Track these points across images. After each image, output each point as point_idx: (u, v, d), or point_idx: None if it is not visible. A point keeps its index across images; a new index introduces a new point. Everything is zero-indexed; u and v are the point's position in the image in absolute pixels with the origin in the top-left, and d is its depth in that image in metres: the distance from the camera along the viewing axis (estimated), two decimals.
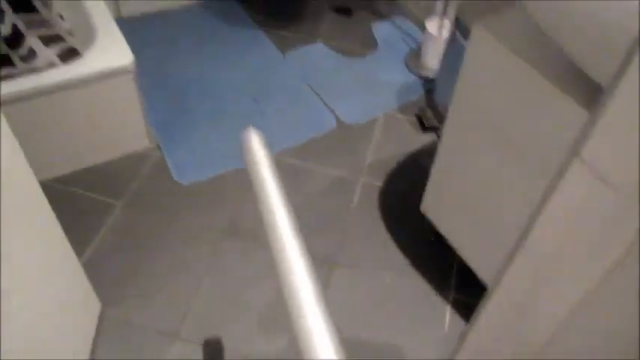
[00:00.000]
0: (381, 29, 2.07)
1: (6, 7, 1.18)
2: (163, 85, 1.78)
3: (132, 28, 1.97)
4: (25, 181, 0.85)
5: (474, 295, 1.32)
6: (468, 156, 1.15)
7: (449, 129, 1.18)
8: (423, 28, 2.05)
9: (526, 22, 0.98)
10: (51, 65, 1.33)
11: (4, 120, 0.75)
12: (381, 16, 2.13)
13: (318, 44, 1.99)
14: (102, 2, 1.48)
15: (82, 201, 1.46)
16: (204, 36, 1.98)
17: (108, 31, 1.44)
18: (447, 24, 1.79)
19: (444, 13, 1.76)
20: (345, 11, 2.12)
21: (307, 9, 2.15)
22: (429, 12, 2.03)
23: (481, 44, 0.99)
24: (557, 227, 0.53)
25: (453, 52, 1.56)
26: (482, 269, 1.21)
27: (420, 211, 1.36)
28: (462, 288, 1.35)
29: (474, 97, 1.06)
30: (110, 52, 1.39)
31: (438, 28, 1.80)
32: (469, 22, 1.47)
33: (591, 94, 0.83)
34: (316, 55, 1.94)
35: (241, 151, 0.75)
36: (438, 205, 1.31)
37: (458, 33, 1.47)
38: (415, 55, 1.93)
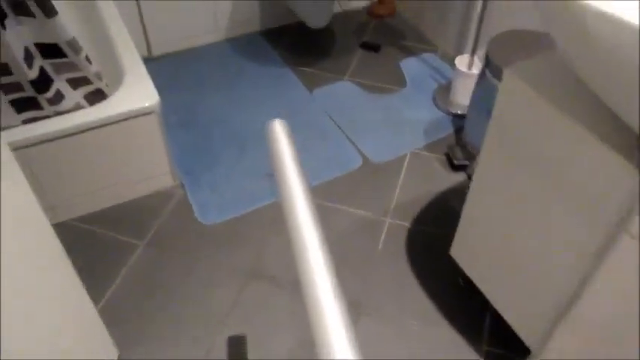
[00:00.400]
0: (410, 65, 2.04)
1: (35, 52, 1.20)
2: (190, 124, 1.79)
3: (162, 66, 2.00)
4: (37, 227, 0.84)
5: (508, 348, 1.24)
6: (501, 201, 1.08)
7: (481, 172, 1.12)
8: (452, 64, 2.01)
9: (562, 67, 0.93)
10: (78, 107, 1.34)
11: (16, 166, 0.74)
12: (409, 52, 2.11)
13: (346, 81, 1.97)
14: (131, 44, 1.51)
15: (104, 240, 1.45)
16: (231, 73, 1.99)
17: (135, 72, 1.45)
18: (477, 61, 1.75)
19: (475, 50, 1.72)
20: (373, 47, 2.10)
21: (335, 45, 2.15)
22: (459, 48, 2.00)
23: (514, 91, 0.94)
24: (606, 300, 0.47)
25: (483, 90, 1.51)
26: (518, 323, 1.13)
27: (449, 255, 1.29)
28: (496, 339, 1.27)
29: (508, 141, 1.01)
30: (136, 93, 1.40)
31: (468, 66, 1.75)
32: (499, 60, 1.42)
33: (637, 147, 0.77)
34: (343, 92, 1.92)
35: (267, 141, 0.76)
36: (469, 250, 1.24)
37: (488, 71, 1.43)
38: (444, 91, 1.89)
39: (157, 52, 2.04)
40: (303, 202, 0.58)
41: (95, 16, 1.62)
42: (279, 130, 0.76)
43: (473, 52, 1.73)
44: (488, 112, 1.52)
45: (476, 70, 1.76)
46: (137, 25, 1.94)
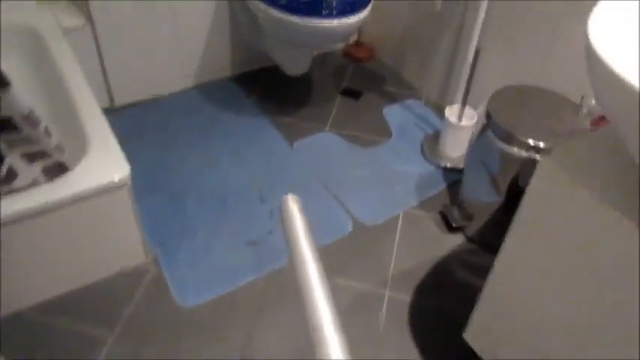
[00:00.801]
0: (393, 113, 1.94)
1: None
2: (160, 186, 1.61)
3: (126, 118, 1.82)
4: None
5: None
6: (530, 289, 0.98)
7: (507, 256, 1.01)
8: (438, 111, 1.93)
9: (605, 154, 0.84)
10: (35, 184, 1.15)
11: None
12: (391, 98, 2.01)
13: (328, 132, 1.84)
14: (97, 108, 1.33)
15: (66, 335, 1.25)
16: (204, 125, 1.83)
17: (102, 139, 1.27)
18: (470, 112, 1.66)
19: (465, 101, 1.63)
20: (353, 94, 1.99)
21: (313, 91, 2.02)
22: (443, 95, 1.92)
23: (550, 178, 0.84)
24: None
25: (483, 150, 1.42)
26: None
27: (455, 329, 1.17)
28: None
29: (541, 225, 0.91)
30: (102, 165, 1.22)
31: (458, 117, 1.67)
32: (502, 121, 1.33)
33: None
34: (326, 145, 1.79)
35: (280, 217, 0.75)
36: (487, 336, 1.13)
37: (490, 132, 1.34)
38: (432, 142, 1.80)
39: (120, 102, 1.86)
40: (320, 287, 0.60)
41: (55, 77, 1.44)
42: (292, 207, 0.75)
43: (464, 104, 1.64)
44: (489, 173, 1.44)
45: (467, 121, 1.67)
46: (98, 72, 1.76)
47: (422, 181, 1.69)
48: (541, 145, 1.26)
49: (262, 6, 1.53)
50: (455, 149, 1.73)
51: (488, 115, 1.36)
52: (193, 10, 1.80)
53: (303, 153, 1.75)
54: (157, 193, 1.59)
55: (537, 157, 1.28)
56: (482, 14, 1.51)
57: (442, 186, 1.68)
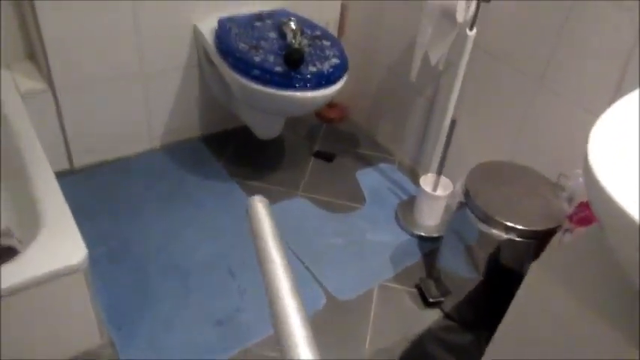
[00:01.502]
0: (367, 177, 1.91)
1: None
2: (121, 257, 1.51)
3: (85, 181, 1.73)
4: None
5: None
6: None
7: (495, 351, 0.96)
8: (412, 176, 1.90)
9: (593, 258, 0.80)
10: None
11: None
12: (364, 161, 1.98)
13: (300, 197, 1.79)
14: (54, 182, 1.24)
15: None
16: (170, 190, 1.75)
17: (56, 218, 1.18)
18: (445, 182, 1.64)
19: (440, 171, 1.61)
20: (326, 157, 1.96)
21: (285, 153, 1.98)
22: (417, 160, 1.90)
23: (540, 284, 0.80)
24: None
25: (462, 226, 1.39)
26: None
27: None
28: None
29: (529, 326, 0.86)
30: (56, 247, 1.12)
31: (433, 186, 1.64)
32: (482, 202, 1.31)
33: None
34: (298, 211, 1.73)
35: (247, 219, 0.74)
36: None
37: (468, 210, 1.30)
38: (406, 209, 1.76)
39: (79, 163, 1.77)
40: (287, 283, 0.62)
41: (10, 146, 1.35)
42: (259, 209, 0.76)
43: (439, 173, 1.62)
44: (467, 249, 1.40)
45: (442, 191, 1.64)
46: (57, 133, 1.67)
47: (397, 251, 1.64)
48: (520, 227, 1.23)
49: (235, 75, 1.49)
50: (430, 218, 1.69)
51: (467, 194, 1.33)
52: (163, 71, 1.75)
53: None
54: (117, 264, 1.48)
55: (516, 238, 1.25)
56: (457, 87, 1.51)
57: (418, 256, 1.63)
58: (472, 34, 1.43)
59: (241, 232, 1.62)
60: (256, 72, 1.45)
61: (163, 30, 1.66)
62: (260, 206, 0.76)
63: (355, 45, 2.01)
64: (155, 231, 1.60)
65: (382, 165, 1.97)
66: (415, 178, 1.92)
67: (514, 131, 1.52)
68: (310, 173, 1.90)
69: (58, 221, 1.18)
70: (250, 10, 1.73)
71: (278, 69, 1.44)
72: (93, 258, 1.33)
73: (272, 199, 1.77)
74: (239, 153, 1.94)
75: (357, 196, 1.82)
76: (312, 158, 1.96)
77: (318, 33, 1.65)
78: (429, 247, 1.66)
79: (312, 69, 1.47)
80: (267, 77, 1.44)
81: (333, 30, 1.99)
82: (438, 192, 1.64)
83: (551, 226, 1.23)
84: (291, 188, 1.82)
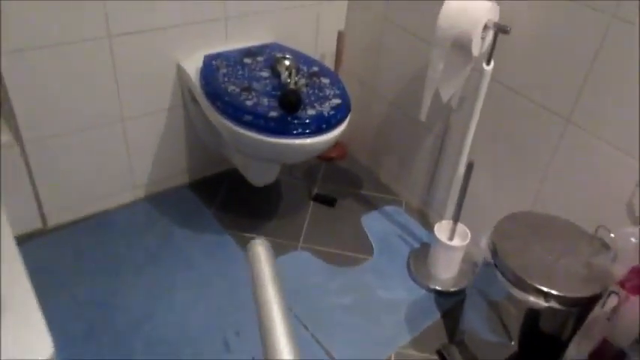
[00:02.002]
0: (373, 223, 1.73)
1: None
2: (101, 329, 1.32)
3: (60, 241, 1.54)
4: None
5: None
6: None
7: None
8: (421, 219, 1.74)
9: None
10: None
11: None
12: (368, 204, 1.81)
13: (301, 251, 1.61)
14: (18, 262, 1.05)
15: None
16: (156, 247, 1.56)
17: (19, 307, 0.99)
18: (462, 230, 1.47)
19: (457, 218, 1.44)
20: (327, 201, 1.78)
21: (282, 198, 1.80)
22: (427, 202, 1.73)
23: None
24: None
25: (487, 282, 1.22)
26: None
27: None
28: None
29: None
30: (18, 343, 0.94)
31: (450, 235, 1.47)
32: (514, 264, 1.14)
33: None
34: (299, 267, 1.55)
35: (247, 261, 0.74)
36: None
37: (499, 273, 1.13)
38: (419, 259, 1.59)
39: (54, 221, 1.58)
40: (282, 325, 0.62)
41: None
42: (259, 251, 0.76)
43: (455, 221, 1.45)
44: (496, 314, 1.22)
45: (459, 241, 1.48)
46: (26, 187, 1.48)
47: (412, 310, 1.46)
48: (559, 293, 1.06)
49: (224, 121, 1.32)
50: (447, 270, 1.52)
51: (494, 252, 1.16)
52: (145, 115, 1.58)
53: None
54: (96, 338, 1.29)
55: (555, 305, 1.07)
56: (473, 126, 1.35)
57: (436, 315, 1.46)
58: (489, 68, 1.27)
59: (235, 295, 1.44)
60: (248, 117, 1.28)
61: (144, 70, 1.50)
62: (260, 249, 0.76)
63: (354, 76, 1.85)
64: (139, 297, 1.41)
65: (388, 208, 1.80)
66: (425, 222, 1.75)
67: (539, 175, 1.36)
68: (310, 220, 1.72)
69: (20, 311, 0.99)
70: (239, 46, 1.57)
71: (273, 114, 1.28)
72: (67, 337, 1.16)
73: None
74: (231, 199, 1.77)
75: (363, 246, 1.65)
76: (312, 203, 1.79)
77: (315, 69, 1.49)
78: (448, 303, 1.49)
79: (311, 112, 1.30)
80: (260, 123, 1.27)
81: (329, 62, 1.84)
82: (455, 242, 1.47)
83: (595, 291, 1.06)
84: (291, 240, 1.64)
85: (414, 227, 1.73)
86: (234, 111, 1.30)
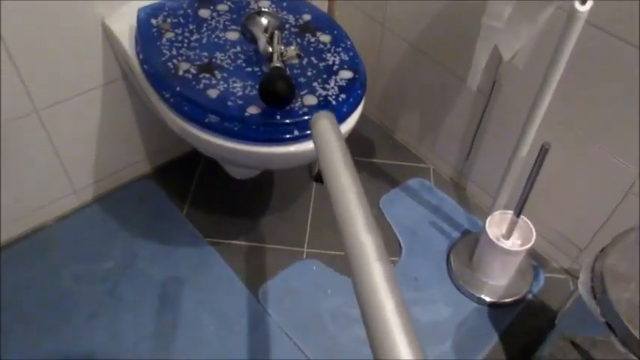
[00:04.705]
0: (396, 207, 1.33)
1: None
2: None
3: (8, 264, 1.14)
4: None
5: None
6: None
7: None
8: (459, 195, 1.35)
9: None
10: None
11: None
12: (388, 178, 1.40)
13: (307, 260, 1.22)
14: None
15: None
16: (113, 273, 1.17)
17: None
18: (525, 227, 1.09)
19: (520, 210, 1.05)
20: None
21: (276, 183, 1.39)
22: (462, 170, 1.33)
23: None
24: None
25: (581, 313, 0.86)
26: None
27: None
28: None
29: None
30: None
31: (506, 233, 1.09)
32: (621, 305, 0.77)
33: None
34: (307, 284, 1.18)
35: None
36: None
37: (602, 316, 0.77)
38: (461, 255, 1.22)
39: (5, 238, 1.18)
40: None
41: None
42: (325, 125, 0.61)
43: (517, 214, 1.06)
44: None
45: (520, 243, 1.10)
46: None
47: (461, 332, 1.12)
48: None
49: (178, 120, 0.87)
50: (501, 277, 1.16)
51: (602, 290, 0.78)
52: (68, 99, 1.11)
53: (276, 308, 1.13)
54: None
55: None
56: (548, 94, 0.90)
57: (493, 337, 1.11)
58: (585, 8, 0.80)
59: (226, 339, 1.08)
60: (214, 118, 0.83)
61: (52, 36, 1.00)
62: (326, 123, 0.61)
63: (356, 6, 1.36)
64: (95, 348, 1.05)
65: (413, 182, 1.39)
66: (463, 198, 1.36)
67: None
68: (315, 213, 1.32)
69: None
70: None
71: (252, 110, 0.83)
72: None
73: (267, 268, 1.21)
74: (209, 191, 1.35)
75: (387, 241, 1.27)
76: (314, 185, 1.38)
77: (306, 18, 1.00)
78: (505, 317, 1.14)
79: (311, 100, 0.85)
80: (233, 128, 0.82)
81: (319, 3, 1.33)
82: (514, 242, 1.10)
83: None
84: (292, 245, 1.25)
85: (449, 207, 1.34)
86: (191, 109, 0.84)
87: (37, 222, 1.24)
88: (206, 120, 0.84)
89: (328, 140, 0.59)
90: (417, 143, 1.44)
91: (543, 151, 0.94)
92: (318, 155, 0.59)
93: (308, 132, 0.83)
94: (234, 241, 1.25)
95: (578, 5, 0.80)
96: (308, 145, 0.84)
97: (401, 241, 1.26)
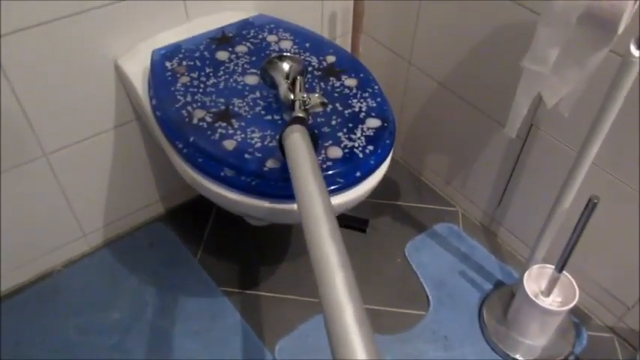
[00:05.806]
0: (423, 255, 1.25)
1: None
2: None
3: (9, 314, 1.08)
4: None
5: None
6: None
7: None
8: (489, 241, 1.26)
9: None
10: None
11: None
12: (414, 223, 1.31)
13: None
14: None
15: None
16: (122, 325, 1.10)
17: None
18: (567, 282, 0.99)
19: (563, 266, 0.96)
20: (355, 225, 1.29)
21: (292, 234, 1.31)
22: (493, 214, 1.24)
23: None
24: None
25: None
26: None
27: None
28: None
29: None
30: None
31: (546, 288, 1.00)
32: None
33: None
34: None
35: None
36: None
37: None
38: (495, 311, 1.13)
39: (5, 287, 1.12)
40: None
41: None
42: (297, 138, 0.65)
43: (559, 270, 0.97)
44: None
45: (562, 302, 1.00)
46: None
47: None
48: None
49: (192, 172, 0.81)
50: (538, 336, 1.06)
51: None
52: (79, 142, 1.06)
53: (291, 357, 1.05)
54: None
55: None
56: (596, 144, 0.82)
57: None
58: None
59: None
60: (229, 172, 0.76)
61: (63, 76, 0.95)
62: (297, 136, 0.65)
63: (378, 40, 1.29)
64: None
65: (440, 227, 1.31)
66: (494, 245, 1.27)
67: None
68: None
69: None
70: (205, 29, 1.00)
71: (271, 164, 0.76)
72: None
73: (285, 322, 1.12)
74: (223, 235, 1.28)
75: (414, 294, 1.18)
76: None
77: (330, 60, 0.94)
78: None
79: (335, 152, 0.78)
80: (250, 182, 0.76)
81: (342, 36, 1.27)
82: (554, 301, 1.00)
83: None
84: (312, 295, 1.17)
85: (480, 255, 1.25)
86: (206, 161, 0.78)
87: (43, 267, 1.18)
88: (221, 174, 0.77)
89: (299, 152, 0.63)
90: (445, 185, 1.36)
91: (591, 206, 0.86)
92: (289, 166, 0.62)
93: (333, 188, 0.76)
94: (249, 291, 1.17)
95: (633, 50, 0.72)
96: (332, 201, 0.76)
97: (428, 292, 1.17)
